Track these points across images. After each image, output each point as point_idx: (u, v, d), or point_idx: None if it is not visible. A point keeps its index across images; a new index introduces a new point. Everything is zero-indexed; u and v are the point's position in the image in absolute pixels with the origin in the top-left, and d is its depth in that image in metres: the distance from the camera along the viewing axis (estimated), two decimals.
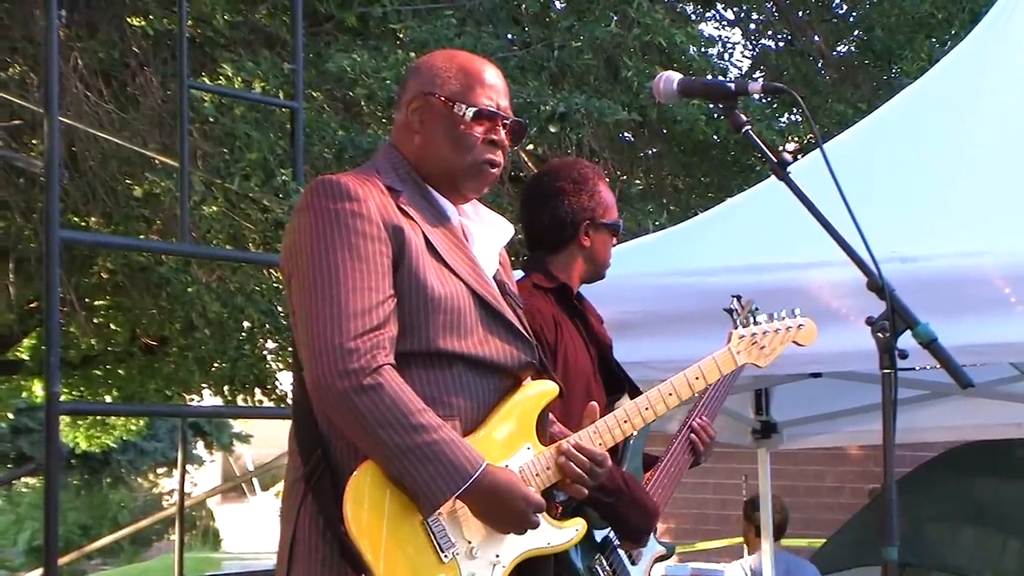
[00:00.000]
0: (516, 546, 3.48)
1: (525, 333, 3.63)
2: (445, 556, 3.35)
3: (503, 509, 3.39)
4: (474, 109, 3.59)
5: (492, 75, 3.68)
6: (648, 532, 4.46)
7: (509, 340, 3.56)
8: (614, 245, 4.76)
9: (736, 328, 4.21)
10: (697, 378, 4.03)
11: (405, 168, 3.62)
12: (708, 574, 9.90)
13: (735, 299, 4.49)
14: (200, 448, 34.24)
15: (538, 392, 3.63)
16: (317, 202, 3.42)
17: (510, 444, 3.53)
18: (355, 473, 3.31)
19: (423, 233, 3.48)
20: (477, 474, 3.31)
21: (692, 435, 4.74)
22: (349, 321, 3.28)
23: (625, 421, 3.82)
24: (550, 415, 3.71)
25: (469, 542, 3.40)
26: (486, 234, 3.75)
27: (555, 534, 3.58)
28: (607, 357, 4.64)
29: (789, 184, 3.49)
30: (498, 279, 3.72)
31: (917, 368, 6.08)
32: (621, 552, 4.39)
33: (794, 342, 4.30)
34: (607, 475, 3.77)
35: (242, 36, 10.57)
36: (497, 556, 3.44)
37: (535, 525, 3.45)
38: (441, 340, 3.42)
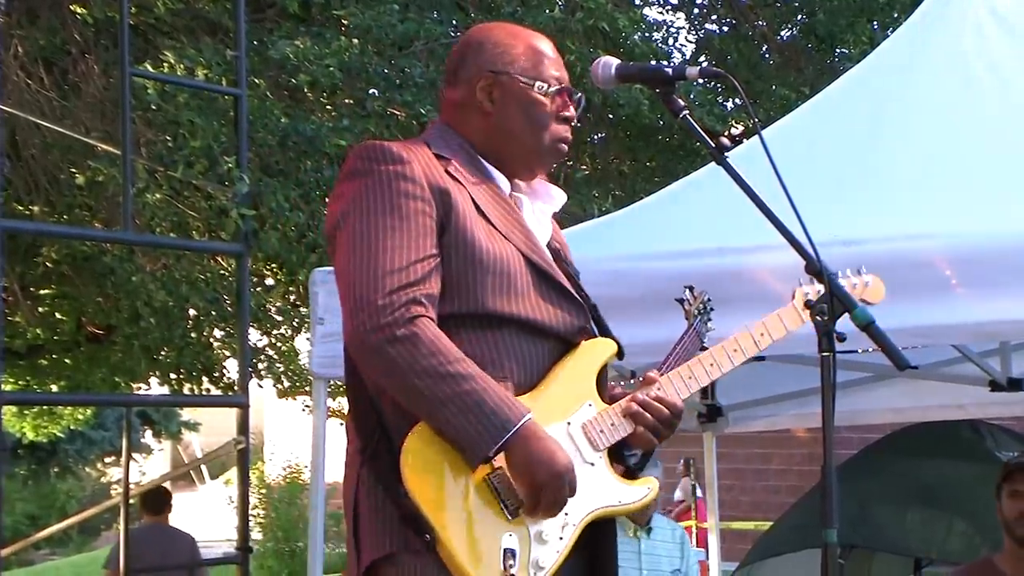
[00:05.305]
0: (586, 504, 3.32)
1: (579, 298, 3.53)
2: (511, 514, 3.21)
3: (541, 465, 3.19)
4: (555, 88, 3.53)
5: (552, 49, 3.60)
6: None
7: (563, 305, 3.46)
8: None
9: (800, 286, 3.95)
10: (762, 335, 3.82)
11: (458, 142, 3.52)
12: None
13: (687, 290, 4.44)
14: (148, 437, 34.15)
15: (596, 351, 3.52)
16: (360, 165, 3.37)
17: (570, 402, 3.40)
18: (409, 435, 3.19)
19: (471, 197, 3.40)
20: (523, 422, 3.17)
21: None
22: (385, 278, 3.19)
23: (690, 377, 3.63)
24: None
25: None
26: (537, 203, 3.65)
27: (626, 492, 3.44)
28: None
29: (727, 169, 3.47)
30: (552, 246, 3.62)
31: (860, 351, 6.15)
32: None
33: (862, 300, 4.10)
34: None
35: (184, 23, 10.53)
36: (566, 515, 3.28)
37: (572, 492, 3.25)
38: (491, 301, 3.32)
